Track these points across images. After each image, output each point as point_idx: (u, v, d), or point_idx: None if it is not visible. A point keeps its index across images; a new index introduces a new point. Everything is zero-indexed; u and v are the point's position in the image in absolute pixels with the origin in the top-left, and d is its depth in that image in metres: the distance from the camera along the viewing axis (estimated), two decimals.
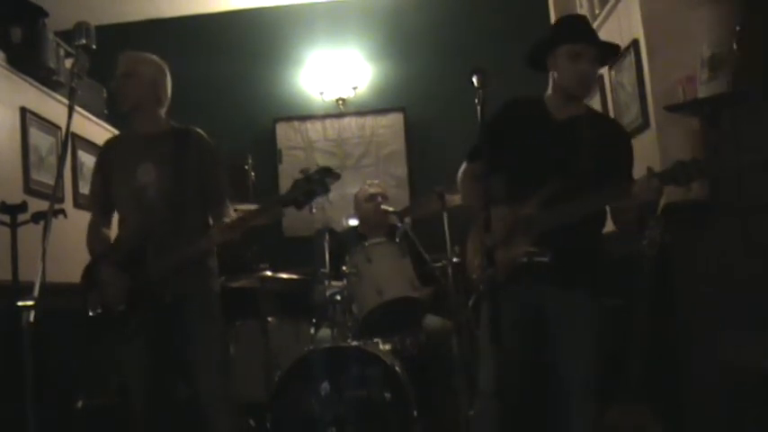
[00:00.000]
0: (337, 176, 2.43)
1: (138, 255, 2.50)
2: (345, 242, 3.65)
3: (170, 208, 2.54)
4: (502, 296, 1.95)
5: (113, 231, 2.74)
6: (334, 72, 5.10)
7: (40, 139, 3.83)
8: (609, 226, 2.48)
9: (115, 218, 2.73)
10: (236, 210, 2.74)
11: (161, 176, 2.56)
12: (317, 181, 2.38)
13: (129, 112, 2.66)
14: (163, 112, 2.69)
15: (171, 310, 2.49)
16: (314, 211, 3.39)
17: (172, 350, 2.56)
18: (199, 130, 2.72)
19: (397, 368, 2.99)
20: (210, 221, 2.66)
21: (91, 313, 2.53)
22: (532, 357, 2.35)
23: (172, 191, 2.55)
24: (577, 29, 2.37)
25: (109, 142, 2.82)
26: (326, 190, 2.41)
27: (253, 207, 2.93)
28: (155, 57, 2.70)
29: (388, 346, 3.29)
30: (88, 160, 4.27)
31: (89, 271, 2.61)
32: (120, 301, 2.47)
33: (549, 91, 2.44)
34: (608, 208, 2.36)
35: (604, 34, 3.67)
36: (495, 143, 2.22)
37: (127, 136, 2.76)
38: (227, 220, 2.55)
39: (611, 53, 2.49)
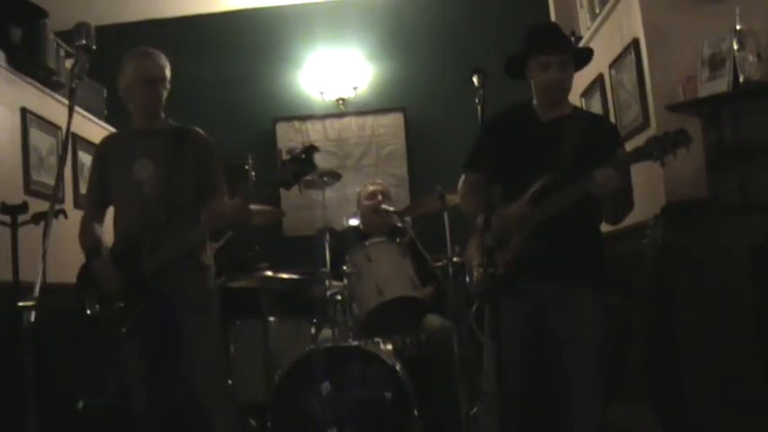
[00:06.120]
0: (318, 150, 2.46)
1: (134, 250, 2.51)
2: (346, 241, 3.64)
3: (166, 204, 2.55)
4: (502, 295, 1.98)
5: (107, 229, 2.74)
6: (335, 72, 5.09)
7: (40, 139, 3.83)
8: (610, 227, 2.48)
9: (110, 214, 2.74)
10: None
11: (158, 172, 2.58)
12: (305, 160, 2.39)
13: (135, 110, 2.67)
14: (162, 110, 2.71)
15: (166, 305, 2.50)
16: (303, 190, 3.15)
17: (168, 348, 2.56)
18: (197, 129, 2.74)
19: (397, 368, 2.99)
20: None
21: (89, 312, 2.54)
22: (534, 356, 2.36)
23: (168, 187, 2.56)
24: (544, 39, 2.40)
25: (106, 139, 2.84)
26: (314, 167, 2.42)
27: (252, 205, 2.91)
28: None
29: (388, 346, 3.28)
30: (88, 161, 4.23)
31: (84, 270, 2.62)
32: (117, 294, 2.48)
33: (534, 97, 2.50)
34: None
35: (604, 34, 3.68)
36: (491, 152, 2.24)
37: (125, 132, 2.79)
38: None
39: (583, 54, 2.52)
